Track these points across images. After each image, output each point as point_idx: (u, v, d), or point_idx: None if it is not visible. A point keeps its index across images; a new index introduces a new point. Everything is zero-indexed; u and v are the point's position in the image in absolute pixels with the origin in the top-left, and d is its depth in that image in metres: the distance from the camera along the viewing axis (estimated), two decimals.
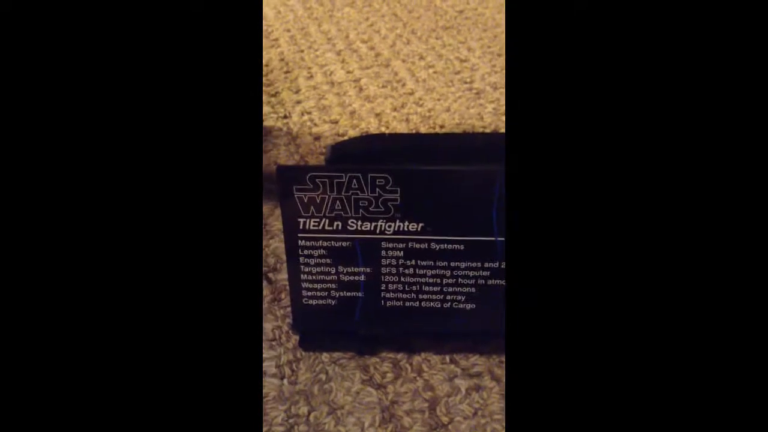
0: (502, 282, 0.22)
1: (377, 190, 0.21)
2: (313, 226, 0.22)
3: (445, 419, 0.22)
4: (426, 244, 0.22)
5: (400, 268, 0.22)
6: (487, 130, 0.42)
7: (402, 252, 0.22)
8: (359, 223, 0.22)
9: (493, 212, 0.21)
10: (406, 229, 0.22)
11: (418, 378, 0.24)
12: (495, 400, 0.23)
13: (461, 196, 0.21)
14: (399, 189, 0.21)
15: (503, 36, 0.57)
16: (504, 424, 0.22)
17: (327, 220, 0.22)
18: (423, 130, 0.43)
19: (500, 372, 0.24)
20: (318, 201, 0.21)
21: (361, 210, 0.22)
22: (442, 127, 0.43)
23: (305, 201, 0.21)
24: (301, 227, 0.22)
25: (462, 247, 0.22)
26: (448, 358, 0.24)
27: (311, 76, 0.51)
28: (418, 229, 0.22)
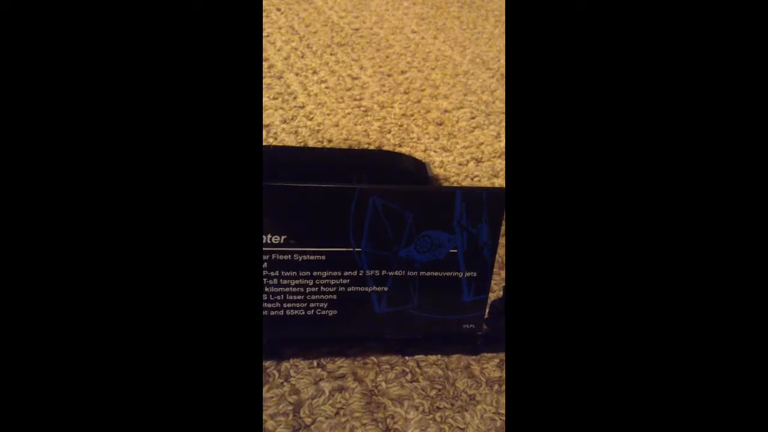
0: (361, 289, 0.24)
1: None
2: None
3: (308, 420, 0.23)
4: (289, 256, 0.23)
5: (265, 279, 0.23)
6: (372, 147, 0.44)
7: (266, 263, 0.23)
8: None
9: (349, 225, 0.23)
10: (269, 241, 0.23)
11: (285, 383, 0.25)
12: (356, 399, 0.24)
13: (322, 210, 0.23)
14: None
15: (394, 56, 0.61)
16: (363, 421, 0.23)
17: None
18: (311, 143, 0.44)
19: (363, 372, 0.25)
20: None
21: None
22: (330, 141, 0.44)
23: None
24: None
25: (324, 258, 0.23)
26: (315, 363, 0.26)
27: None
28: (281, 242, 0.23)
